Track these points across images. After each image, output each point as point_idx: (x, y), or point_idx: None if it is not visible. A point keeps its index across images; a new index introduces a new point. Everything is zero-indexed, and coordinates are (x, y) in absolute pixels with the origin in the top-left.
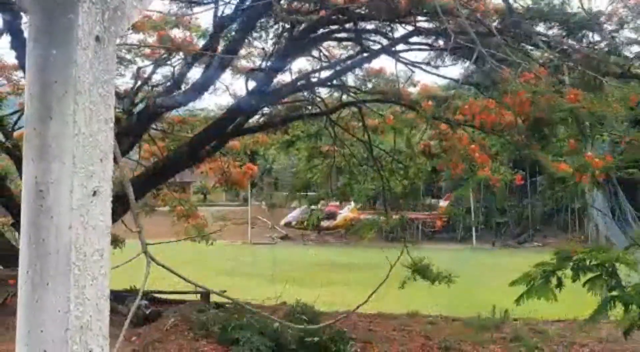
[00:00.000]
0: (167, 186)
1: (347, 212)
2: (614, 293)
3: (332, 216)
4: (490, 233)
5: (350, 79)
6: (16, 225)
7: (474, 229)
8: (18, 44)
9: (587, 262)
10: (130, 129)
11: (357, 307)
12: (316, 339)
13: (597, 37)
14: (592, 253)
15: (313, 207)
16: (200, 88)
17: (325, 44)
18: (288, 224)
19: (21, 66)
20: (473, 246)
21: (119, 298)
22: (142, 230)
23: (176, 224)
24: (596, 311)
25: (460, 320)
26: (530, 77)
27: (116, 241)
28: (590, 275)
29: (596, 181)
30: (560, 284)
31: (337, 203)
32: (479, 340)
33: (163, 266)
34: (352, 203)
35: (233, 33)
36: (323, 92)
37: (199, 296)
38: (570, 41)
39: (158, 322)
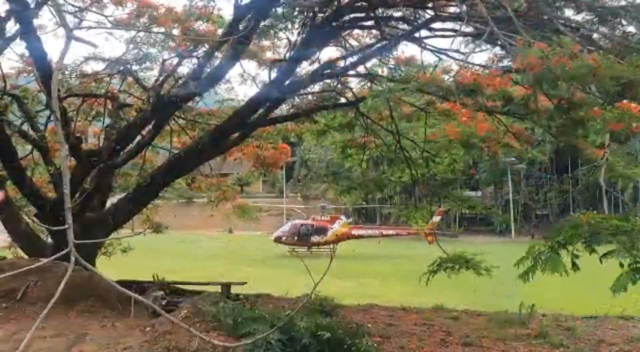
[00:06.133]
0: (205, 175)
1: (338, 227)
2: (637, 265)
3: (322, 231)
4: (530, 225)
5: (382, 70)
6: (39, 216)
7: (512, 221)
8: (28, 33)
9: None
10: (145, 119)
11: None
12: (330, 333)
13: (631, 29)
14: (606, 220)
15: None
16: (213, 77)
17: (355, 33)
18: (278, 239)
19: (32, 56)
20: (511, 238)
21: (140, 289)
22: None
23: (215, 215)
24: (617, 281)
25: (485, 315)
26: (544, 46)
27: (159, 227)
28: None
29: (632, 131)
30: (574, 264)
31: (328, 218)
32: (501, 336)
33: (85, 268)
34: (343, 218)
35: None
36: (353, 82)
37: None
38: (602, 28)
39: (173, 313)
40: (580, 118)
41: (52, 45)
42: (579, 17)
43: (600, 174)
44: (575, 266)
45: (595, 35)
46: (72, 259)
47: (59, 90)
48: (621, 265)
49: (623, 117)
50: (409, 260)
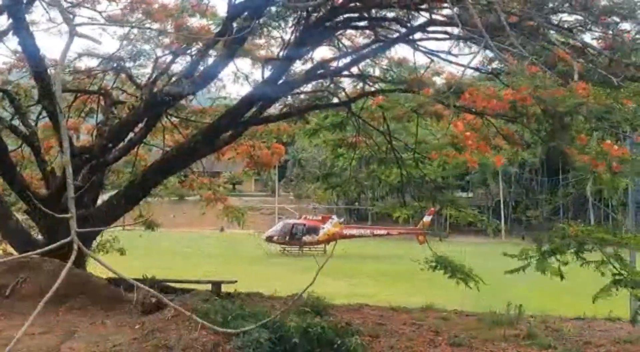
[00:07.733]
0: (197, 174)
1: (329, 226)
2: (619, 277)
3: (314, 230)
4: (520, 227)
5: (374, 70)
6: (30, 212)
7: (503, 222)
8: (20, 29)
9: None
10: (137, 117)
11: None
12: (319, 331)
13: (626, 26)
14: (593, 233)
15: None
16: (207, 76)
17: (348, 33)
18: (270, 239)
19: (24, 52)
20: (502, 239)
21: (130, 286)
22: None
23: (207, 213)
24: (601, 290)
25: (474, 315)
26: (536, 70)
27: (151, 225)
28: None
29: (612, 171)
30: (561, 275)
31: (319, 218)
32: (490, 337)
33: (98, 261)
34: (335, 217)
35: (242, 20)
36: (345, 82)
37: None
38: (595, 29)
39: (163, 311)
40: (566, 124)
41: (45, 41)
42: (572, 19)
43: (587, 183)
44: (560, 274)
45: (588, 36)
46: (75, 247)
47: (52, 86)
48: (602, 274)
49: (605, 157)
50: (400, 260)
